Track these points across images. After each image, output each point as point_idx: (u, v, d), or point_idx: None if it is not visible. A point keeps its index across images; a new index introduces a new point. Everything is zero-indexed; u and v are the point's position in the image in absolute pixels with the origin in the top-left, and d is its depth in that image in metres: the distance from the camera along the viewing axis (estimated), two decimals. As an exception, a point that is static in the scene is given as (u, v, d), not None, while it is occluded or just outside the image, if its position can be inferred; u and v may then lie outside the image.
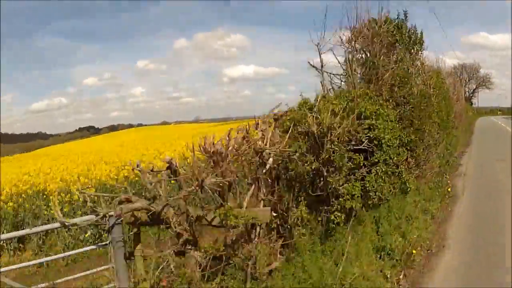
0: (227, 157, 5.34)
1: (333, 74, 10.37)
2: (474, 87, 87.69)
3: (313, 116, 7.10)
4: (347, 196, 6.91)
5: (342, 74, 10.40)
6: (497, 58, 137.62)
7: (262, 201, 5.85)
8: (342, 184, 6.99)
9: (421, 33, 14.50)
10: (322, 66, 9.73)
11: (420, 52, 14.07)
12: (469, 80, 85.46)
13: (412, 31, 13.73)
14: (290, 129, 6.91)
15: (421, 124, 12.70)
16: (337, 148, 6.90)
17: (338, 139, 7.04)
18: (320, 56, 9.62)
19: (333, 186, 6.86)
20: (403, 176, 9.97)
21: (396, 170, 9.81)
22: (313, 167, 6.78)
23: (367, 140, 8.12)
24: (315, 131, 6.84)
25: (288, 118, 7.10)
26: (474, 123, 53.15)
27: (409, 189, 10.16)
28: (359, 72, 11.29)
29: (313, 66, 10.03)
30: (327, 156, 6.87)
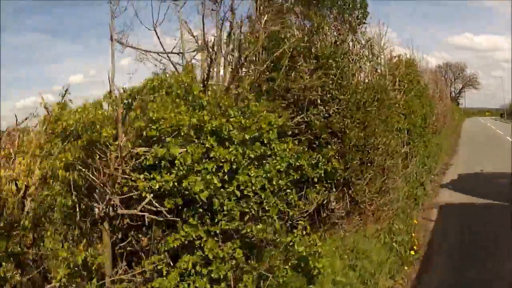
0: None
1: (147, 52, 5.42)
2: (461, 86, 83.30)
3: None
4: None
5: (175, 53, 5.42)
6: (483, 60, 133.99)
7: None
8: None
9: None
10: (112, 38, 4.71)
11: (363, 23, 8.93)
12: (454, 80, 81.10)
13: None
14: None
15: (367, 136, 7.62)
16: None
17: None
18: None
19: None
20: (300, 249, 4.83)
21: (281, 240, 4.72)
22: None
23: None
24: None
25: None
26: (461, 124, 48.28)
27: (317, 271, 5.01)
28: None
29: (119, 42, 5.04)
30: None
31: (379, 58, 11.73)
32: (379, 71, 10.72)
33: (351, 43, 8.44)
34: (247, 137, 4.22)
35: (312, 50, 6.64)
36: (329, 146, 6.18)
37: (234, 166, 4.09)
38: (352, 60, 8.20)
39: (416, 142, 14.40)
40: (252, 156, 4.26)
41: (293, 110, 5.84)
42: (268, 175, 4.35)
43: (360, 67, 8.96)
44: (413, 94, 14.35)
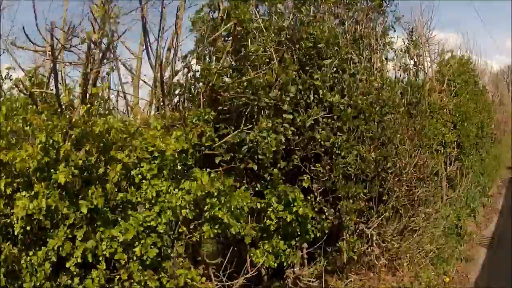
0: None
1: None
2: (522, 91, 75.34)
3: None
4: None
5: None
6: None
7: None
8: None
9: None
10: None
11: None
12: (516, 84, 73.41)
13: None
14: None
15: (383, 157, 5.21)
16: None
17: None
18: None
19: None
20: None
21: None
22: None
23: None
24: None
25: None
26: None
27: None
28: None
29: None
30: None
31: (420, 50, 9.21)
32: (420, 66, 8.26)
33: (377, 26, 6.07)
34: (63, 179, 2.14)
35: (295, 30, 4.37)
36: (305, 178, 3.88)
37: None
38: (370, 46, 5.83)
39: (470, 156, 11.58)
40: (84, 211, 2.19)
41: (231, 123, 3.59)
42: (122, 238, 2.26)
43: (386, 58, 6.59)
44: (468, 97, 11.45)
